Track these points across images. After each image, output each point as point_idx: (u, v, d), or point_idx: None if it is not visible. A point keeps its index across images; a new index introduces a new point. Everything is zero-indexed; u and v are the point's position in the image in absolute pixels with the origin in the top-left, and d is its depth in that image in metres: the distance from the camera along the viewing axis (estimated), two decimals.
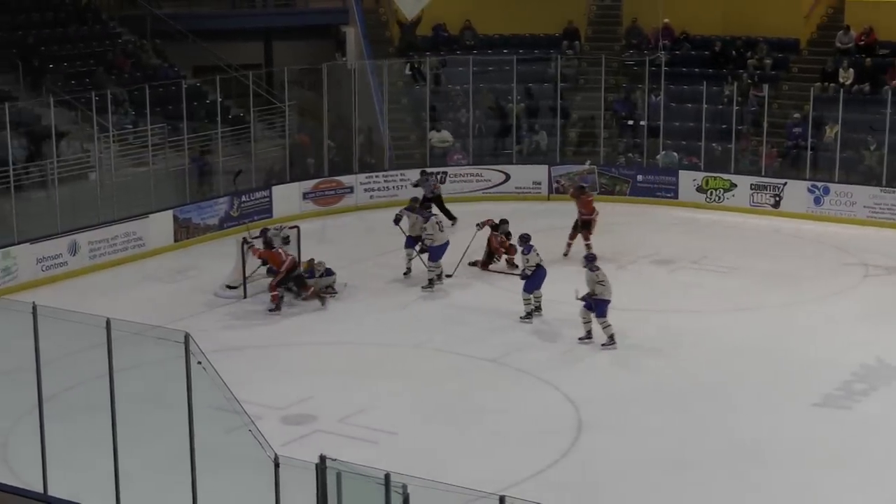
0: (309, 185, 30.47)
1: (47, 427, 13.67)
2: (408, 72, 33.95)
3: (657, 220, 29.69)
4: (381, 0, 36.34)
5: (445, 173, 31.74)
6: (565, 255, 24.98)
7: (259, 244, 22.98)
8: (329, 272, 23.50)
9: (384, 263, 25.04)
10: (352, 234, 28.29)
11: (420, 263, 24.34)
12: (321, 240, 27.03)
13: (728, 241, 27.67)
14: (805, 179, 29.97)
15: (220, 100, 29.87)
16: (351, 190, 30.91)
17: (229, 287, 23.38)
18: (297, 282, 22.91)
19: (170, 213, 27.23)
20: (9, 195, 24.75)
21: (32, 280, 24.10)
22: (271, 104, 31.60)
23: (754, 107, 31.77)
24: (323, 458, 11.47)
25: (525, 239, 22.22)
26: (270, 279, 22.93)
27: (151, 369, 14.68)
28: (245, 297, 23.11)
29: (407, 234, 24.71)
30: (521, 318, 21.83)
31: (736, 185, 30.48)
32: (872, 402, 18.19)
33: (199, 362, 11.97)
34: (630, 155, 32.53)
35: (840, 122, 29.82)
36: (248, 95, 30.07)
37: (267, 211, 29.13)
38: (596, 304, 20.41)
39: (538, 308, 21.97)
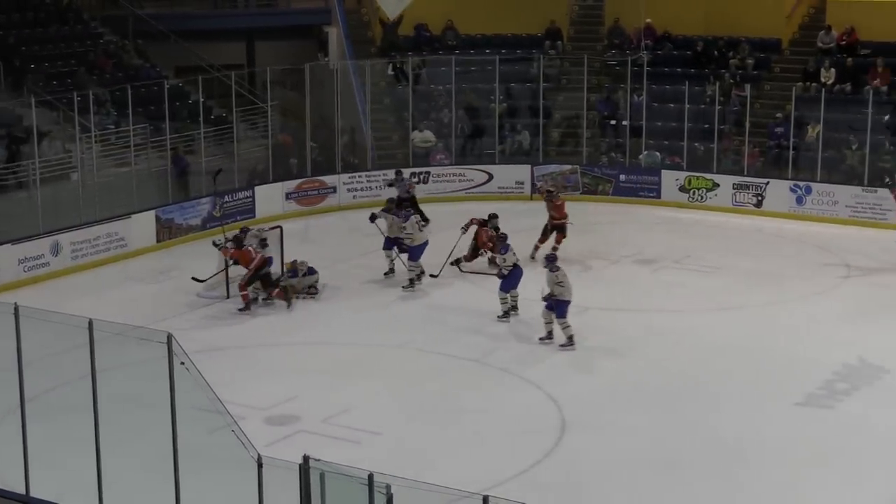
0: (292, 185, 30.43)
1: (29, 428, 13.63)
2: (390, 72, 33.92)
3: (640, 220, 29.74)
4: (364, 0, 36.32)
5: (428, 173, 31.75)
6: (532, 257, 24.93)
7: (232, 244, 22.91)
8: (311, 271, 23.49)
9: (366, 263, 25.02)
10: (335, 234, 28.27)
11: (401, 263, 24.31)
12: (304, 240, 27.01)
13: (711, 240, 27.73)
14: (787, 179, 30.05)
15: (202, 100, 29.80)
16: (334, 190, 30.89)
17: (195, 279, 23.27)
18: (265, 281, 22.84)
19: (152, 213, 27.18)
20: None
21: (14, 281, 23.99)
22: (254, 104, 31.57)
23: (736, 106, 31.84)
24: (306, 459, 11.46)
25: (502, 238, 22.23)
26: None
27: (134, 370, 14.62)
28: (228, 297, 23.06)
29: (385, 236, 24.66)
30: (498, 317, 21.84)
31: (718, 185, 30.55)
32: (854, 402, 18.23)
33: (182, 363, 11.95)
34: (613, 155, 32.56)
35: (822, 121, 29.92)
36: (231, 96, 30.00)
37: (250, 211, 29.08)
38: (556, 305, 20.36)
39: (515, 307, 21.97)
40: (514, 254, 22.04)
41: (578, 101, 33.09)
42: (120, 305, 22.27)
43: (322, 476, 11.34)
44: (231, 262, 22.88)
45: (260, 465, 11.73)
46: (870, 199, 28.48)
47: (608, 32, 35.49)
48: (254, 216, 28.79)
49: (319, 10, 36.26)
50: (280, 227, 24.87)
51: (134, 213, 26.77)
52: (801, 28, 34.49)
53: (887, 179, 26.78)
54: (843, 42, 32.68)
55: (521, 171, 31.89)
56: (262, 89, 31.82)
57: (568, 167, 31.99)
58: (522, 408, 18.11)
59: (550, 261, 20.80)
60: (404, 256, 24.19)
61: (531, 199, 25.72)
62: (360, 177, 31.07)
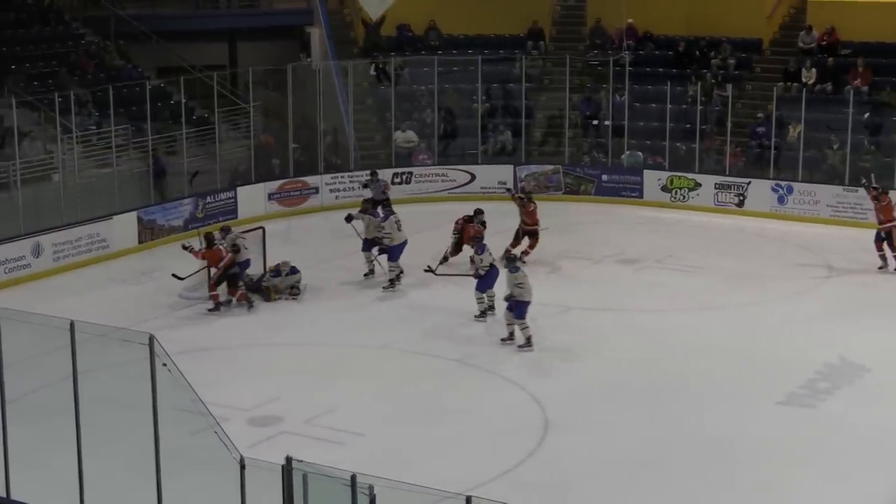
0: (274, 185, 30.41)
1: (10, 430, 13.59)
2: (373, 72, 33.90)
3: (622, 220, 29.79)
4: (346, 0, 36.30)
5: (411, 173, 31.75)
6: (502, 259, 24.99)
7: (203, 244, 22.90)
8: (294, 270, 23.48)
9: (348, 264, 24.96)
10: (317, 234, 28.23)
11: (381, 264, 24.28)
12: (286, 240, 26.98)
13: (693, 240, 27.79)
14: (769, 179, 30.13)
15: (184, 101, 29.76)
16: (316, 190, 30.87)
17: (175, 276, 23.24)
18: (230, 282, 22.81)
19: (134, 214, 27.12)
20: None
21: None
22: (236, 105, 31.52)
23: (718, 106, 31.92)
24: (289, 460, 11.44)
25: (478, 239, 22.21)
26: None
27: (116, 371, 14.61)
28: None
29: (363, 237, 24.62)
30: (475, 316, 21.83)
31: (700, 185, 30.61)
32: (836, 401, 18.28)
33: (164, 364, 11.92)
34: (595, 155, 32.61)
35: (803, 121, 30.02)
36: (213, 96, 29.97)
37: (232, 212, 29.04)
38: (515, 306, 20.36)
39: (492, 307, 21.98)
40: (490, 254, 22.10)
41: (561, 102, 33.14)
42: (102, 307, 22.21)
43: (305, 477, 11.33)
44: (204, 263, 22.81)
45: (242, 467, 11.71)
46: (851, 198, 28.55)
47: (590, 33, 35.56)
48: (236, 217, 28.76)
49: (302, 10, 36.23)
50: (262, 228, 24.85)
51: (115, 214, 26.71)
52: (782, 28, 34.61)
53: (864, 180, 26.83)
54: (824, 42, 32.79)
55: (504, 172, 31.90)
56: (244, 90, 31.79)
57: (550, 167, 32.03)
58: (505, 408, 18.12)
59: (510, 261, 20.76)
60: (384, 257, 24.17)
61: (513, 199, 25.64)
62: (342, 177, 31.07)
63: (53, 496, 13.49)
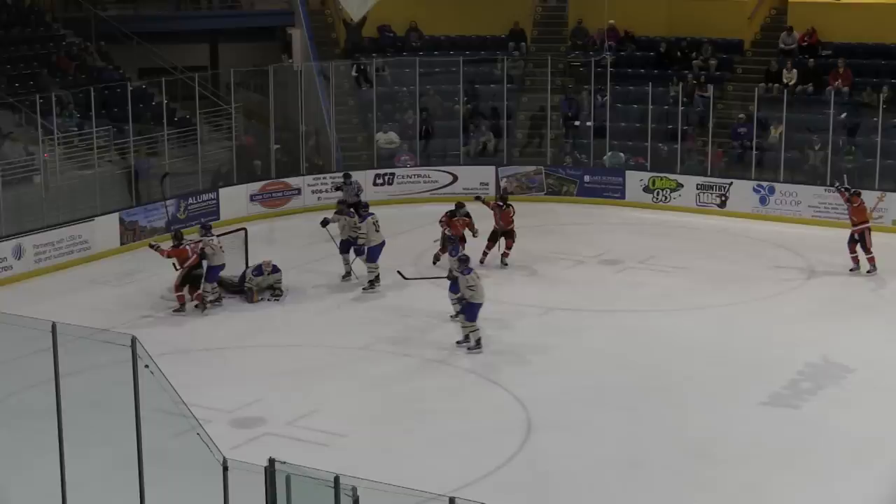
0: (256, 187, 30.36)
1: None
2: (354, 73, 33.85)
3: (604, 221, 29.83)
4: (327, 1, 36.28)
5: (393, 174, 31.74)
6: (481, 262, 25.01)
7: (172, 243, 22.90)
8: (275, 269, 23.46)
9: (330, 265, 24.91)
10: (299, 236, 28.18)
11: (360, 264, 24.26)
12: (268, 241, 26.95)
13: (675, 240, 27.82)
14: (750, 179, 30.20)
15: (165, 102, 29.73)
16: (298, 192, 30.82)
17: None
18: (193, 282, 22.80)
19: (116, 215, 27.04)
20: None
21: None
22: (217, 106, 31.46)
23: (699, 107, 31.99)
24: (272, 461, 11.43)
25: (453, 240, 22.17)
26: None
27: (98, 373, 14.57)
28: (192, 299, 22.95)
29: (337, 241, 24.55)
30: (451, 317, 21.78)
31: (682, 186, 30.67)
32: (819, 401, 18.32)
33: (147, 366, 11.90)
34: (577, 155, 32.63)
35: (784, 122, 30.10)
36: (194, 97, 29.91)
37: (214, 213, 28.97)
38: (466, 308, 20.33)
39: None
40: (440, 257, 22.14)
41: (542, 103, 33.17)
42: (84, 308, 22.15)
43: (288, 478, 11.32)
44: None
45: (225, 469, 11.69)
46: (832, 199, 28.56)
47: (572, 33, 35.58)
48: (218, 218, 28.68)
49: (283, 11, 36.22)
50: (245, 230, 24.82)
51: (97, 215, 26.63)
52: (763, 29, 34.69)
53: (836, 182, 26.86)
54: (805, 43, 32.90)
55: (486, 173, 31.90)
56: (225, 91, 31.75)
57: (532, 168, 32.04)
58: (488, 409, 18.12)
59: (463, 262, 20.67)
60: (356, 258, 24.13)
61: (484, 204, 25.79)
62: (324, 178, 31.01)
63: (36, 499, 13.45)
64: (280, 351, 20.80)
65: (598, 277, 25.00)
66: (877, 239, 25.99)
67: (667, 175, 30.93)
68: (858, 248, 24.75)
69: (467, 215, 24.73)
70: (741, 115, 31.30)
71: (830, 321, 22.04)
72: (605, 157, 32.07)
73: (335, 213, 24.85)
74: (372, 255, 23.85)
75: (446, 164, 32.23)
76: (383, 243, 23.96)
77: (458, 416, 17.83)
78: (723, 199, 30.19)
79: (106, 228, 26.64)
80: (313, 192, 30.78)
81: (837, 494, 15.37)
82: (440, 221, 24.92)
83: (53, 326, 12.37)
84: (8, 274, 24.52)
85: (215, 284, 22.90)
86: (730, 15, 34.40)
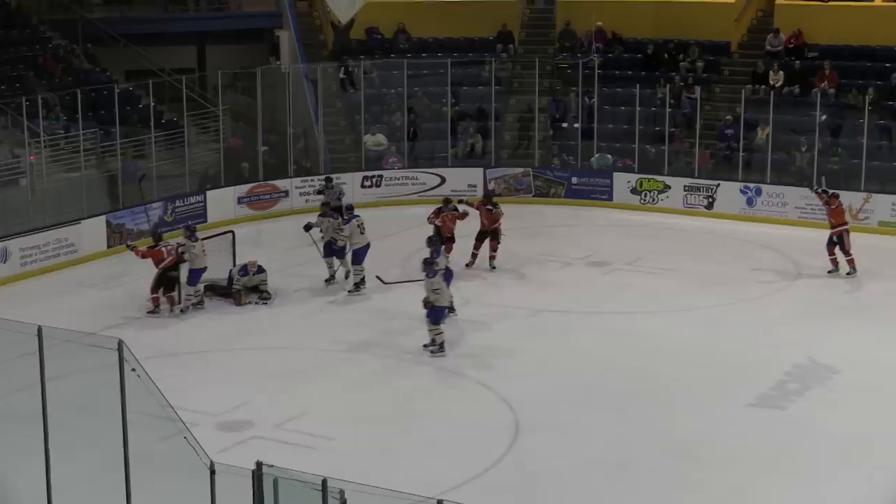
0: (244, 189, 30.31)
1: None
2: (342, 75, 33.82)
3: (592, 222, 29.85)
4: (315, 3, 36.25)
5: (381, 177, 31.72)
6: (469, 265, 25.06)
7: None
8: (261, 269, 23.44)
9: (317, 268, 24.87)
10: (287, 238, 28.15)
11: (344, 268, 24.26)
12: (256, 244, 26.91)
13: (662, 242, 27.85)
14: (737, 181, 30.24)
15: (152, 104, 29.66)
16: (286, 194, 30.79)
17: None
18: (168, 283, 22.77)
19: (102, 218, 26.98)
20: None
21: None
22: (205, 108, 31.42)
23: (687, 109, 32.01)
24: (259, 465, 11.42)
25: (433, 241, 22.15)
26: (205, 284, 23.10)
27: (85, 377, 14.56)
28: (178, 301, 22.93)
29: (318, 245, 24.50)
30: None
31: (670, 187, 30.70)
32: (806, 402, 18.35)
33: (133, 369, 11.88)
34: (564, 157, 32.63)
35: (771, 123, 30.15)
36: (182, 100, 29.88)
37: (201, 215, 28.92)
38: (431, 311, 20.30)
39: (452, 308, 21.98)
40: (446, 257, 22.11)
41: (530, 104, 33.18)
42: (70, 312, 22.08)
43: (275, 482, 11.31)
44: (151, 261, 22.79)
45: (213, 472, 11.68)
46: (818, 200, 28.63)
47: (559, 36, 35.60)
48: (205, 221, 28.65)
49: (271, 13, 36.18)
50: (232, 232, 24.80)
51: (84, 218, 26.57)
52: (750, 31, 34.75)
53: (814, 184, 26.90)
54: (791, 45, 32.96)
55: (474, 174, 31.90)
56: (213, 93, 31.72)
57: (520, 170, 32.05)
58: (476, 410, 18.12)
59: (427, 265, 20.59)
60: (347, 260, 24.10)
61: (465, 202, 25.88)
62: (312, 181, 30.95)
63: (22, 502, 13.39)
64: (266, 354, 20.77)
65: (585, 279, 25.02)
66: (863, 240, 26.11)
67: (654, 177, 30.96)
68: (837, 250, 24.76)
69: (455, 209, 24.79)
70: (728, 117, 31.34)
71: (816, 322, 22.08)
72: (592, 159, 32.09)
73: (319, 215, 24.83)
74: (358, 257, 23.84)
75: (434, 166, 32.22)
76: (368, 245, 23.94)
77: (446, 417, 17.83)
78: (710, 200, 30.23)
79: (92, 231, 26.58)
80: (301, 194, 30.73)
81: (824, 495, 15.40)
82: (429, 219, 24.95)
83: (39, 330, 12.34)
84: None
85: (199, 288, 22.87)
86: (717, 17, 34.47)
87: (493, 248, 25.24)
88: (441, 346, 20.29)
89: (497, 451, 16.52)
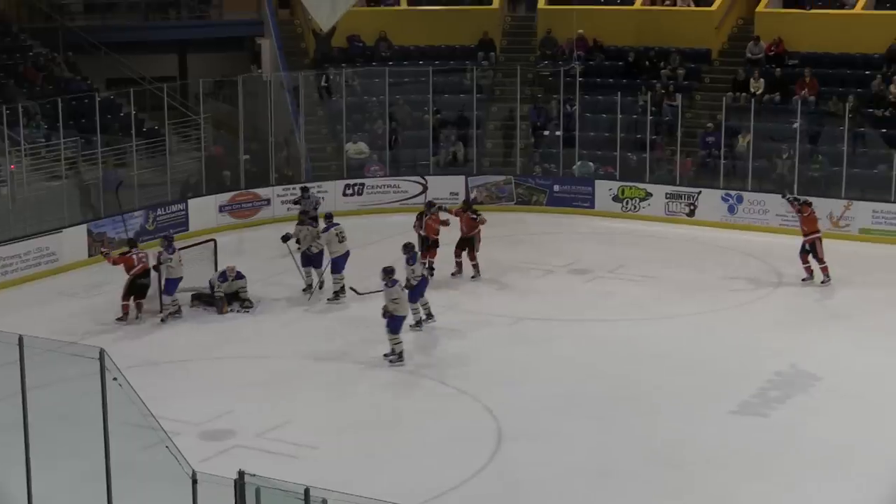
0: (225, 197, 30.26)
1: None
2: (324, 83, 33.80)
3: (574, 230, 29.88)
4: (296, 11, 36.25)
5: (363, 185, 31.71)
6: (452, 274, 25.08)
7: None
8: (239, 275, 23.40)
9: (298, 277, 24.83)
10: (268, 246, 28.08)
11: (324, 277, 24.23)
12: (238, 252, 26.86)
13: (644, 250, 27.89)
14: (719, 188, 30.30)
15: (134, 112, 29.60)
16: (268, 202, 30.75)
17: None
18: (139, 291, 22.74)
19: (83, 227, 26.91)
20: None
21: None
22: (186, 116, 31.38)
23: (668, 116, 32.08)
24: (242, 474, 11.39)
25: (409, 248, 22.15)
26: (192, 293, 23.18)
27: (66, 386, 14.45)
28: (160, 310, 22.87)
29: (298, 253, 24.44)
30: (410, 326, 21.71)
31: (651, 195, 30.76)
32: (788, 409, 18.37)
33: (115, 378, 11.84)
34: (546, 165, 32.67)
35: (752, 130, 30.24)
36: (163, 108, 29.81)
37: (183, 224, 28.88)
38: (390, 321, 20.24)
39: (429, 315, 21.98)
40: (421, 265, 22.10)
41: (512, 112, 33.20)
42: (51, 321, 22.02)
43: (258, 491, 11.28)
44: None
45: (195, 481, 11.64)
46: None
47: (540, 43, 35.65)
48: (187, 229, 28.62)
49: (252, 21, 36.17)
50: (214, 241, 24.75)
51: (65, 227, 26.49)
52: (731, 39, 34.88)
53: (785, 193, 26.94)
54: (772, 53, 33.07)
55: (456, 182, 31.91)
56: (194, 101, 31.67)
57: (502, 178, 32.09)
58: (458, 418, 18.10)
59: (388, 274, 20.40)
60: (321, 271, 24.06)
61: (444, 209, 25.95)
62: (294, 189, 30.92)
63: None
64: (248, 362, 20.73)
65: (567, 287, 25.04)
66: (844, 247, 26.24)
67: (636, 184, 31.02)
68: (811, 257, 24.79)
69: (437, 211, 24.86)
70: (709, 125, 31.43)
71: (798, 329, 22.13)
72: (574, 167, 32.13)
73: (297, 224, 24.80)
74: (336, 265, 23.81)
75: (416, 174, 32.22)
76: (348, 254, 23.92)
77: (429, 426, 17.82)
78: (692, 208, 30.30)
79: (73, 240, 26.49)
80: (283, 202, 30.69)
81: (807, 502, 15.42)
82: (414, 227, 24.98)
83: (20, 339, 12.30)
84: None
85: (177, 298, 22.81)
86: (697, 25, 34.58)
87: (472, 258, 25.18)
88: (400, 356, 20.24)
89: (479, 459, 16.50)
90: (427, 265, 24.92)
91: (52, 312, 23.18)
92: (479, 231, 25.14)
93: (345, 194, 31.34)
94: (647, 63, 34.15)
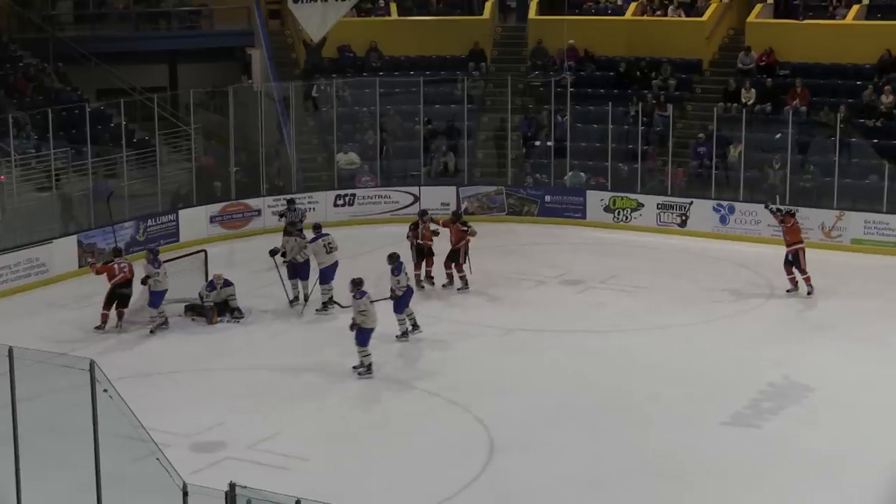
0: (216, 208, 30.20)
1: None
2: (315, 93, 33.77)
3: (565, 241, 29.86)
4: (287, 22, 36.23)
5: (354, 195, 31.67)
6: (444, 286, 25.05)
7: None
8: (227, 283, 23.34)
9: (289, 287, 24.78)
10: (259, 258, 28.00)
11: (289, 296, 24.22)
12: (228, 263, 26.78)
13: (636, 260, 27.88)
14: (710, 198, 30.28)
15: (124, 123, 29.54)
16: (259, 213, 30.70)
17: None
18: (121, 300, 22.69)
19: (74, 238, 26.84)
20: None
21: None
22: (176, 127, 31.31)
23: (659, 127, 32.08)
24: (232, 486, 11.34)
25: (395, 258, 22.11)
26: (185, 304, 23.17)
27: (56, 398, 14.41)
28: (148, 322, 22.81)
29: (284, 264, 24.36)
30: (396, 336, 21.73)
31: (643, 205, 30.75)
32: (780, 420, 18.36)
33: (105, 390, 11.81)
34: (537, 175, 32.65)
35: (743, 141, 30.26)
36: (153, 118, 29.76)
37: (174, 235, 28.83)
38: (358, 332, 20.18)
39: (415, 325, 21.96)
40: (406, 275, 22.13)
41: (503, 122, 33.20)
42: (41, 332, 21.95)
43: (249, 503, 11.24)
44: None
45: (185, 493, 11.59)
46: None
47: (531, 54, 35.66)
48: (177, 240, 28.56)
49: (243, 32, 36.13)
50: (204, 251, 24.70)
51: (55, 238, 26.42)
52: (722, 49, 34.92)
53: (767, 204, 26.92)
54: (763, 63, 33.11)
55: (447, 193, 31.88)
56: (185, 112, 31.61)
57: (493, 188, 32.07)
58: (450, 430, 18.07)
59: (356, 286, 20.35)
60: (308, 283, 24.00)
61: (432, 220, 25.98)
62: (285, 200, 30.85)
63: None
64: (238, 374, 20.67)
65: (559, 297, 25.01)
66: (836, 258, 26.27)
67: (627, 195, 31.01)
68: (795, 268, 24.78)
69: (432, 219, 24.95)
70: (701, 135, 31.43)
71: (790, 340, 22.14)
72: (565, 177, 32.12)
73: (284, 234, 24.74)
74: (325, 276, 23.76)
75: (407, 185, 32.19)
76: (336, 264, 23.86)
77: (420, 437, 17.78)
78: (683, 218, 30.29)
79: (64, 251, 26.42)
80: (273, 213, 30.59)
81: None
82: (407, 237, 24.96)
83: (10, 351, 12.26)
84: None
85: (163, 310, 22.74)
86: (688, 35, 34.62)
87: (459, 270, 25.13)
88: (369, 368, 20.17)
89: (471, 470, 16.47)
90: (426, 275, 24.97)
91: (42, 323, 23.10)
92: (466, 242, 25.07)
93: (336, 205, 31.30)
94: (638, 73, 34.18)
